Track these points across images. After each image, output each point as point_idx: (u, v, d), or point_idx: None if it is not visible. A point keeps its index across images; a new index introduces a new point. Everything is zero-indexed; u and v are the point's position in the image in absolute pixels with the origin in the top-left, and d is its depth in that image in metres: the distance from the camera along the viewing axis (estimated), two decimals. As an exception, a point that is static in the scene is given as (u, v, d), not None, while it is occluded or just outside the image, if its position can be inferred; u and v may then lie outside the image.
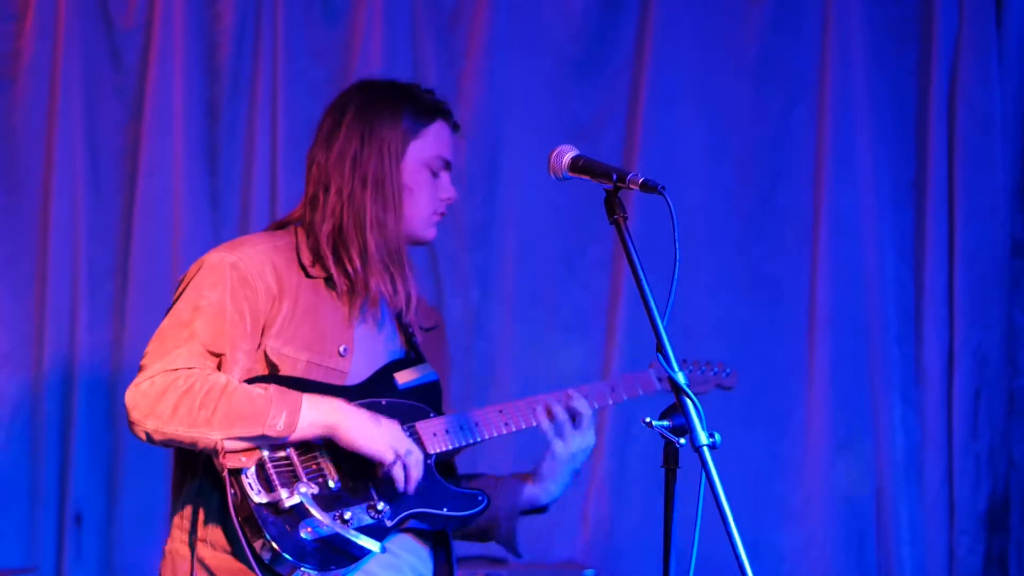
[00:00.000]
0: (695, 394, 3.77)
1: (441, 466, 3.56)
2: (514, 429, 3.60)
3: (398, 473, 3.34)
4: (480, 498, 3.54)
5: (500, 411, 3.59)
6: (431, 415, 3.53)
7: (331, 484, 3.33)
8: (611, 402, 3.73)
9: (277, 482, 3.27)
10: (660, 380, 3.82)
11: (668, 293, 2.93)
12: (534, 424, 3.62)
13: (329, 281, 3.45)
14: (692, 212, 5.61)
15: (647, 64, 5.73)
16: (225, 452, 3.24)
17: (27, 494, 5.41)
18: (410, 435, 3.45)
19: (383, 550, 3.34)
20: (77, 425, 5.42)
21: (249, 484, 3.25)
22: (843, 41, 5.75)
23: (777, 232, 5.78)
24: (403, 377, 3.52)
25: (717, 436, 2.78)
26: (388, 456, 3.32)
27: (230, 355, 3.32)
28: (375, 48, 5.60)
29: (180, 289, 3.41)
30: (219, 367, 3.32)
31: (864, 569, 5.69)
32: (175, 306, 3.38)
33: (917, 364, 5.75)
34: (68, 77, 5.47)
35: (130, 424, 3.27)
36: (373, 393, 3.46)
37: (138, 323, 5.46)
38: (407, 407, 3.50)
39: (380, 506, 3.35)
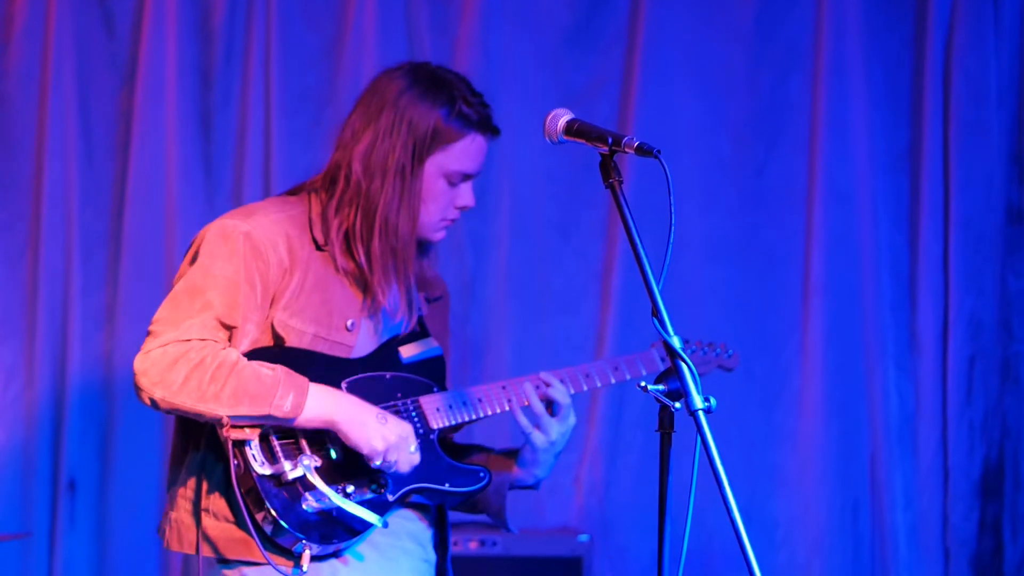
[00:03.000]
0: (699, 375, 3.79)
1: (443, 440, 3.56)
2: (517, 405, 3.58)
3: (391, 462, 3.36)
4: (482, 475, 3.54)
5: (503, 387, 3.57)
6: (435, 390, 3.53)
7: (334, 456, 3.34)
8: (613, 380, 3.71)
9: (281, 454, 3.28)
10: (663, 360, 3.79)
11: (663, 258, 2.92)
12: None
13: None
14: (687, 180, 5.60)
15: (642, 32, 5.71)
16: (230, 425, 3.24)
17: (21, 460, 5.41)
18: (414, 409, 3.46)
19: (384, 524, 3.35)
20: (70, 392, 5.42)
21: (253, 455, 3.26)
22: (838, 9, 5.74)
23: (771, 200, 5.78)
24: (408, 351, 3.52)
25: (712, 400, 2.77)
26: (379, 448, 3.33)
27: (241, 327, 3.31)
28: (369, 15, 5.58)
29: (192, 253, 3.37)
30: (230, 339, 3.31)
31: (858, 536, 5.70)
32: (189, 272, 3.34)
33: (911, 331, 5.75)
34: (61, 43, 5.45)
35: (137, 389, 3.25)
36: (377, 367, 3.45)
37: (131, 289, 5.46)
38: (411, 381, 3.50)
39: (383, 480, 3.36)
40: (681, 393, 2.80)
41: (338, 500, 3.28)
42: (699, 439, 2.74)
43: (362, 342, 3.44)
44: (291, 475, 3.26)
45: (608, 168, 2.96)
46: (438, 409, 3.50)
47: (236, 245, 3.31)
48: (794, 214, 5.77)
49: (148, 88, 5.50)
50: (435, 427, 3.49)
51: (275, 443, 3.29)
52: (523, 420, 3.54)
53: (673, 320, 2.86)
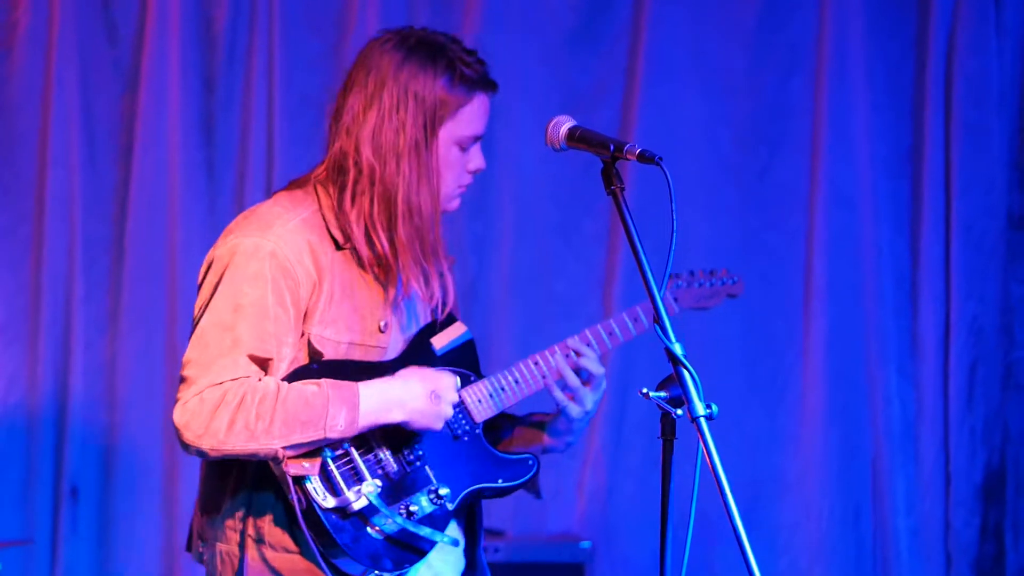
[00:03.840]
0: (706, 308, 3.72)
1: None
2: (552, 380, 3.49)
3: None
4: (531, 462, 3.46)
5: (536, 363, 3.49)
6: (472, 379, 3.44)
7: (391, 473, 3.25)
8: (635, 332, 3.60)
9: (343, 484, 3.19)
10: (675, 300, 3.72)
11: (665, 264, 2.92)
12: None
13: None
14: (689, 182, 5.60)
15: (645, 34, 5.72)
16: (287, 459, 3.14)
17: (23, 467, 5.41)
18: (457, 406, 3.35)
19: (455, 543, 3.32)
20: (73, 397, 5.42)
21: (314, 489, 3.16)
22: (841, 12, 5.74)
23: (774, 203, 5.78)
24: (439, 341, 3.41)
25: (714, 407, 2.76)
26: (439, 427, 3.30)
27: (276, 355, 3.18)
28: (371, 19, 5.59)
29: (215, 278, 3.20)
30: (267, 368, 3.18)
31: (860, 541, 5.70)
32: (213, 301, 3.18)
33: (913, 336, 5.75)
34: (64, 48, 5.46)
35: (183, 445, 3.13)
36: (414, 364, 3.33)
37: (134, 295, 5.47)
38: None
39: (442, 491, 3.29)
40: (683, 400, 2.80)
41: (403, 523, 3.22)
42: (701, 446, 2.74)
43: (395, 340, 3.34)
44: (356, 506, 3.17)
45: (610, 175, 2.95)
46: (480, 401, 3.42)
47: (262, 267, 3.17)
48: (796, 218, 5.77)
49: (151, 93, 5.50)
50: (479, 421, 3.41)
51: (334, 473, 3.19)
52: (559, 394, 3.46)
53: (674, 324, 2.86)
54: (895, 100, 5.79)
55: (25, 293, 5.45)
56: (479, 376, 3.47)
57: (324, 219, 3.27)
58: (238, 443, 3.10)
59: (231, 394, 3.11)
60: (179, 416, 3.12)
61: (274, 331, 3.16)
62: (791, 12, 5.78)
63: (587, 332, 3.55)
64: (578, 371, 3.48)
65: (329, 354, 3.24)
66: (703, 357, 5.27)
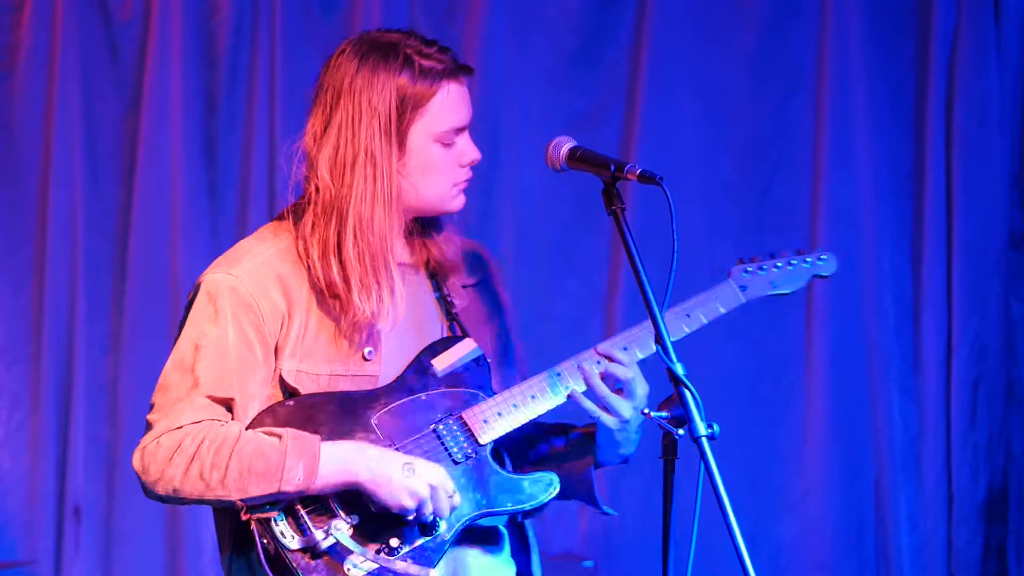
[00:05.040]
0: (791, 292, 3.44)
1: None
2: (577, 392, 3.19)
3: (428, 516, 3.03)
4: (549, 481, 3.15)
5: (559, 374, 3.21)
6: (480, 397, 3.16)
7: (372, 507, 3.01)
8: (687, 330, 3.31)
9: (309, 522, 2.98)
10: (743, 289, 3.45)
11: (666, 285, 2.93)
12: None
13: None
14: (690, 203, 5.61)
15: (645, 55, 5.72)
16: (246, 508, 2.97)
17: (26, 487, 5.41)
18: (458, 428, 3.11)
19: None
20: (76, 418, 5.42)
21: (280, 532, 2.98)
22: (841, 32, 5.75)
23: (774, 223, 5.78)
24: (441, 363, 3.15)
25: (716, 427, 2.76)
26: (410, 505, 3.00)
27: (240, 394, 3.01)
28: (373, 40, 5.59)
29: (183, 317, 3.12)
30: (231, 409, 3.02)
31: (862, 560, 5.69)
32: (178, 342, 3.08)
33: (915, 355, 5.75)
34: (66, 70, 5.47)
35: (143, 490, 3.02)
36: (411, 390, 3.12)
37: (137, 315, 5.47)
38: (451, 395, 3.15)
39: (433, 522, 3.04)
40: (685, 419, 2.80)
41: (380, 561, 2.99)
42: (703, 465, 2.73)
43: (389, 365, 3.12)
44: (324, 544, 2.96)
45: (611, 195, 2.95)
46: (486, 420, 3.13)
47: (222, 303, 3.05)
48: (797, 237, 5.77)
49: (153, 114, 5.51)
50: (485, 442, 3.11)
51: (301, 510, 2.99)
52: (588, 405, 3.17)
53: (676, 346, 2.86)
54: (896, 120, 5.79)
55: (27, 313, 5.46)
56: (489, 393, 3.19)
57: (300, 250, 3.11)
58: (193, 492, 2.97)
59: (188, 439, 2.97)
60: (137, 461, 3.02)
61: (235, 369, 3.01)
62: (791, 32, 5.79)
63: (627, 333, 3.25)
64: (605, 378, 3.18)
65: (308, 388, 3.06)
66: (705, 377, 5.26)
